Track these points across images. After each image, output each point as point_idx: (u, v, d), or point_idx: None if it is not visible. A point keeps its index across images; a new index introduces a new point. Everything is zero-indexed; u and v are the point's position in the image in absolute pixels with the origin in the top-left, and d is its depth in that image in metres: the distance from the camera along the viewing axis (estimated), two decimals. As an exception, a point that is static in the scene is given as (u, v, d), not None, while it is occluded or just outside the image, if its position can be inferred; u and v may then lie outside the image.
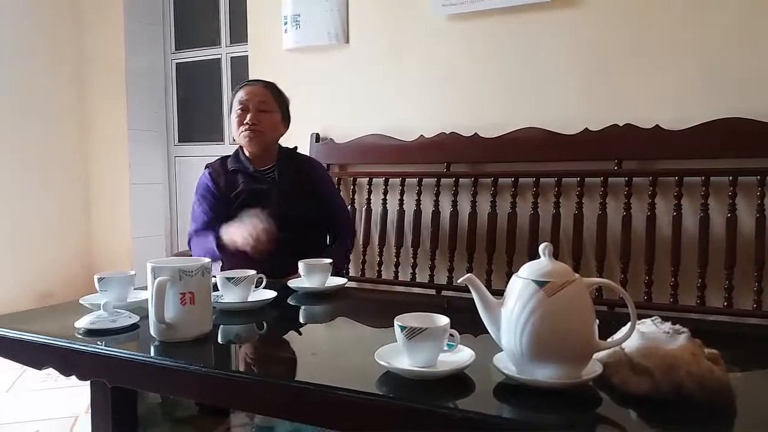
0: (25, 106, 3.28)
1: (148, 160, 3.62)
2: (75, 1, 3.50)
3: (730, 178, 1.88)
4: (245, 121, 1.98)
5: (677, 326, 0.91)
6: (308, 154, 2.22)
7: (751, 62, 1.93)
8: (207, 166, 2.10)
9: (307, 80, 2.68)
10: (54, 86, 3.43)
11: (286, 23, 2.71)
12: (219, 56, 3.54)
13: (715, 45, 1.97)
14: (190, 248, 2.02)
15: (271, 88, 2.07)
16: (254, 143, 2.01)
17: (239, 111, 2.00)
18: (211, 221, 1.97)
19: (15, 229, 3.25)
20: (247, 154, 2.06)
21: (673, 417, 0.80)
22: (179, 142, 3.74)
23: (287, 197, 1.99)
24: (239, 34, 3.34)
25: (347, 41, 2.61)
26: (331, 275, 1.67)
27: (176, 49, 3.69)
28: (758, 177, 1.85)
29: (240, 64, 3.37)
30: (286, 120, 2.09)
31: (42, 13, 3.35)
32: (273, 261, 1.75)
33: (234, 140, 2.18)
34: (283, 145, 2.13)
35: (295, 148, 2.18)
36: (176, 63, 3.70)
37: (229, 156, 2.10)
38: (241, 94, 2.02)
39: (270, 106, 2.03)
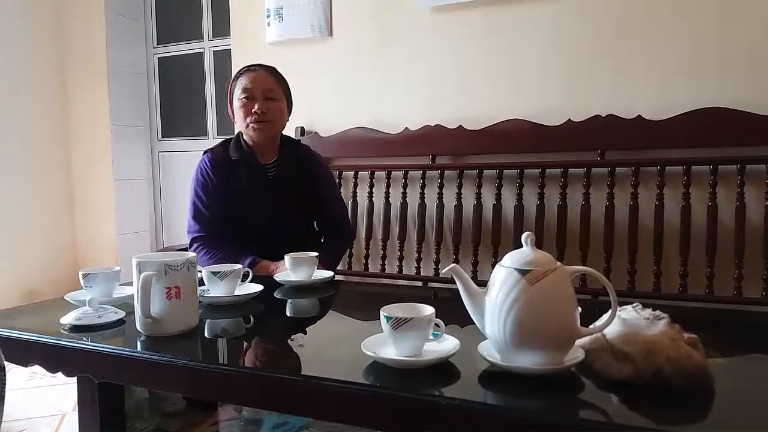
0: (5, 103, 3.23)
1: (132, 156, 3.59)
2: (54, -5, 3.46)
3: (711, 167, 1.91)
4: (253, 110, 1.88)
5: (657, 312, 0.93)
6: (309, 147, 2.11)
7: (732, 52, 1.95)
8: (206, 152, 1.98)
9: (290, 74, 2.63)
10: (34, 82, 3.39)
11: (269, 16, 2.70)
12: (202, 50, 3.51)
13: (695, 35, 1.99)
14: (192, 249, 1.90)
15: (274, 73, 1.97)
16: (263, 134, 1.91)
17: (244, 99, 1.89)
18: (212, 221, 1.90)
19: (-3, 227, 3.21)
20: (250, 143, 1.95)
21: (654, 401, 0.81)
22: (163, 137, 3.71)
23: (286, 199, 1.94)
24: (222, 28, 3.31)
25: (331, 34, 2.60)
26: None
27: (158, 44, 3.66)
28: (738, 166, 1.88)
29: (223, 58, 3.35)
30: (289, 107, 2.01)
31: (21, 8, 3.31)
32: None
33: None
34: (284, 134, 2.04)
35: (299, 140, 2.05)
36: (158, 57, 3.66)
37: (229, 141, 1.99)
38: (244, 81, 1.91)
39: (276, 93, 1.93)
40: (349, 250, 2.51)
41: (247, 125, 1.90)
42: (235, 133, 2.02)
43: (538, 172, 2.16)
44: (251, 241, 1.88)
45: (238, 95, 1.91)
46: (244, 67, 1.97)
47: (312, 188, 2.02)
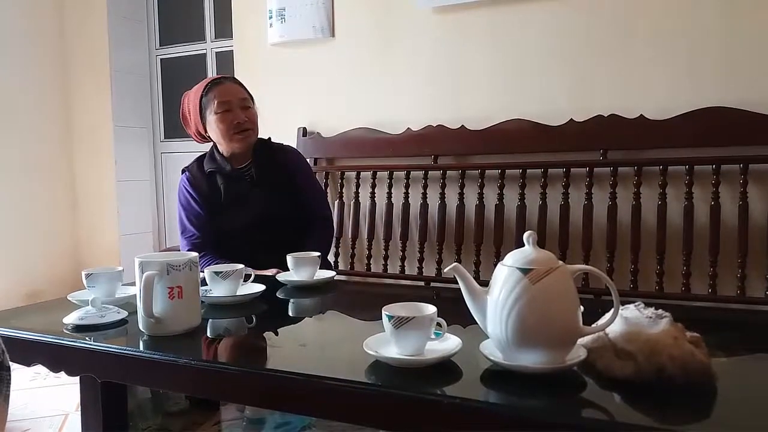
0: (7, 104, 3.24)
1: (134, 157, 3.60)
2: (57, -4, 3.47)
3: (714, 166, 1.91)
4: (236, 122, 1.90)
5: (659, 311, 0.92)
6: (282, 143, 2.15)
7: (734, 52, 1.95)
8: (184, 171, 2.04)
9: (293, 74, 2.68)
10: (37, 83, 3.39)
11: (271, 17, 2.70)
12: (204, 51, 3.52)
13: (698, 35, 1.99)
14: None
15: (239, 83, 2.01)
16: (247, 142, 1.95)
17: (223, 112, 1.90)
18: (202, 236, 1.95)
19: (1, 228, 3.22)
20: (224, 153, 1.99)
21: (656, 400, 0.81)
22: (165, 138, 3.72)
23: (267, 199, 1.96)
24: (224, 29, 3.32)
25: (333, 35, 2.60)
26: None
27: (161, 45, 3.66)
28: (741, 165, 1.88)
29: (225, 60, 3.36)
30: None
31: (23, 10, 3.31)
32: (252, 263, 1.73)
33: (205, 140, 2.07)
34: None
35: (269, 138, 2.09)
36: (161, 59, 3.67)
37: (203, 155, 2.04)
38: (218, 95, 1.92)
39: (249, 101, 1.97)
40: (351, 250, 2.51)
41: (231, 136, 1.92)
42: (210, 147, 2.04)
43: (541, 172, 2.16)
44: (240, 243, 1.91)
45: (214, 109, 1.91)
46: (209, 82, 1.97)
47: (290, 182, 2.02)
